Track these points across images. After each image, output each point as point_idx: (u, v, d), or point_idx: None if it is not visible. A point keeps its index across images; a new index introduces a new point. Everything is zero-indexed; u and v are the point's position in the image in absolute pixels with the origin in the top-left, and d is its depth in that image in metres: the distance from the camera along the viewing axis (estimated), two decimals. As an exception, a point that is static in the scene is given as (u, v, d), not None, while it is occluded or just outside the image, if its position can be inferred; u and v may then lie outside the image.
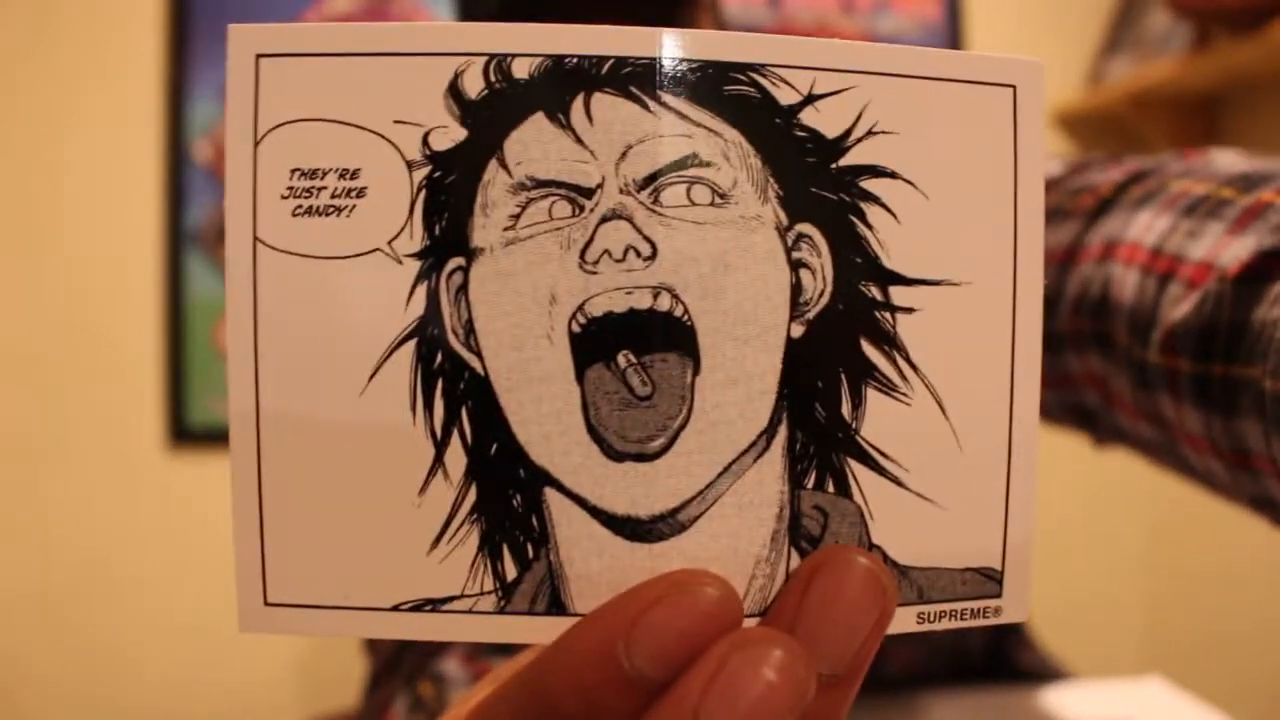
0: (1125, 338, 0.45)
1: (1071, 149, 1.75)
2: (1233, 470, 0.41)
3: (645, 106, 0.23)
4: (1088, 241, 0.51)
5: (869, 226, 0.24)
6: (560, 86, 0.23)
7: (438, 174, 0.23)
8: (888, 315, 0.24)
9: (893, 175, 0.24)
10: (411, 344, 0.23)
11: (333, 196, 0.24)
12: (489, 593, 0.23)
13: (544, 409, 0.23)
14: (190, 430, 1.47)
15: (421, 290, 0.23)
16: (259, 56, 0.24)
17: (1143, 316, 0.44)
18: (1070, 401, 0.55)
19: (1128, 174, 0.54)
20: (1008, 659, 0.83)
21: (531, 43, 0.23)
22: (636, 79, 0.23)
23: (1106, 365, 0.48)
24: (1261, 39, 1.32)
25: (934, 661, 0.79)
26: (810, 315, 0.23)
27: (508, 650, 0.25)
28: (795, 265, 0.23)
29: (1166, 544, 1.73)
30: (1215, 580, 1.64)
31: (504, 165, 0.23)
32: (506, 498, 0.23)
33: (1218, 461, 0.41)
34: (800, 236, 0.23)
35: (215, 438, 1.48)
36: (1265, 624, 1.54)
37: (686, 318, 0.23)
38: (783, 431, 0.23)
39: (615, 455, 0.23)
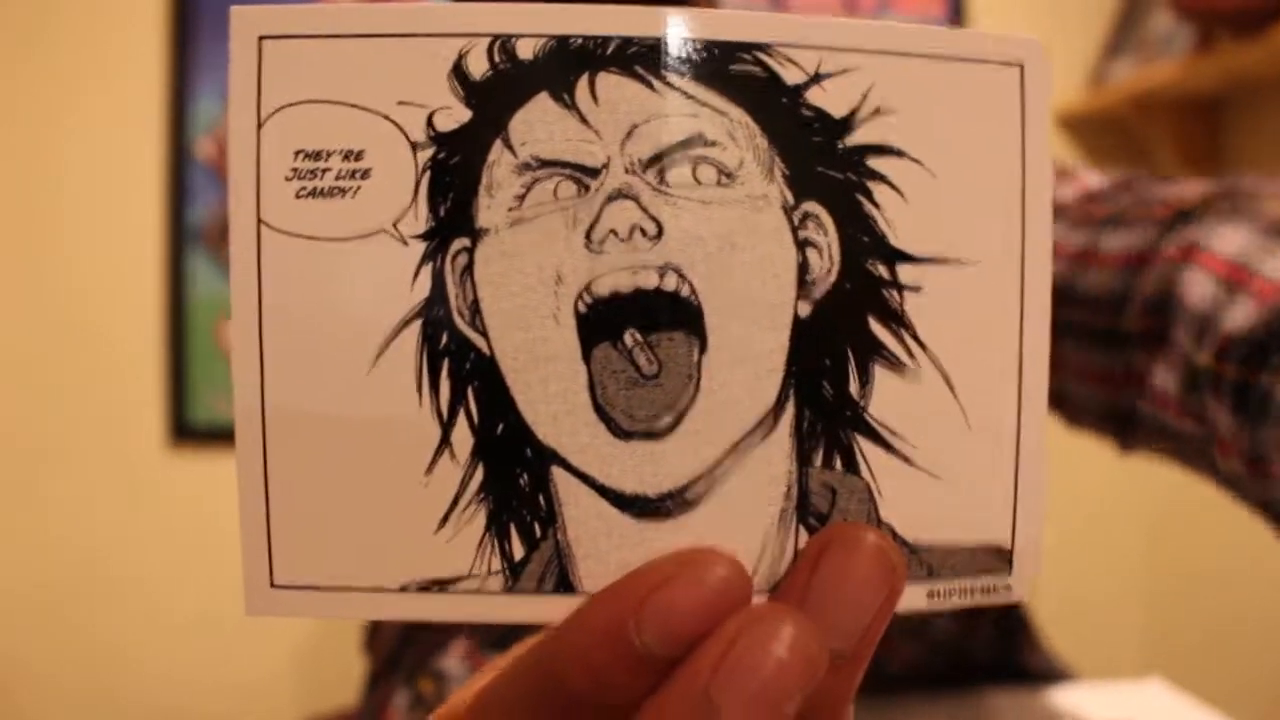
0: (1185, 339, 0.47)
1: (1074, 151, 1.75)
2: (1250, 476, 0.43)
3: (650, 86, 0.23)
4: (1165, 246, 0.51)
5: (876, 205, 0.24)
6: (565, 66, 0.23)
7: (442, 155, 0.23)
8: (895, 294, 0.24)
9: (900, 154, 0.24)
10: (417, 325, 0.23)
11: (337, 178, 0.24)
12: (496, 573, 0.23)
13: (551, 389, 0.23)
14: (192, 428, 1.47)
15: (427, 271, 0.23)
16: (261, 38, 0.24)
17: (1205, 321, 0.45)
18: (1113, 401, 0.55)
19: (1217, 188, 0.54)
20: (1014, 660, 0.82)
21: (536, 23, 0.23)
22: (642, 59, 0.23)
23: (1159, 362, 0.49)
24: (1265, 41, 1.32)
25: (935, 660, 0.79)
26: (817, 294, 0.23)
27: (507, 648, 0.25)
28: (801, 244, 0.23)
29: (1167, 545, 1.73)
30: (1216, 581, 1.64)
31: (509, 145, 0.23)
32: (513, 477, 0.23)
33: (1240, 465, 0.43)
34: (806, 215, 0.23)
35: (217, 436, 1.48)
36: (1267, 625, 1.54)
37: (693, 297, 0.23)
38: (790, 409, 0.23)
39: (623, 434, 0.23)
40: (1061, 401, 0.61)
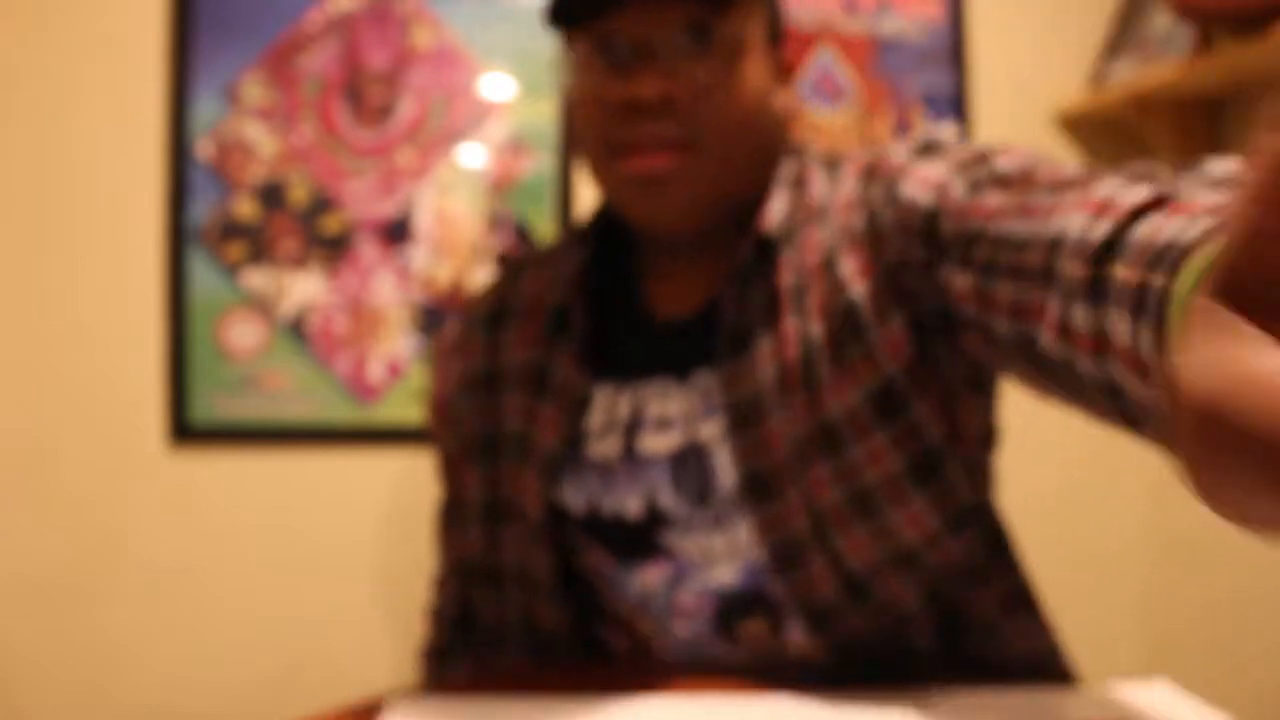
0: (1064, 263, 0.55)
1: (1074, 151, 1.76)
2: (1096, 359, 0.52)
3: None
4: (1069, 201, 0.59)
5: None
6: None
7: None
8: None
9: None
10: None
11: None
12: None
13: None
14: (192, 428, 1.47)
15: None
16: None
17: (1078, 245, 0.53)
18: (1021, 332, 0.62)
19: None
20: (1011, 646, 0.82)
21: None
22: None
23: (1045, 292, 0.58)
24: (1265, 41, 1.33)
25: (927, 623, 0.80)
26: None
27: None
28: None
29: (1168, 545, 1.73)
30: (1218, 582, 1.64)
31: None
32: None
33: (1090, 356, 0.52)
34: None
35: (217, 435, 1.48)
36: (1270, 626, 1.54)
37: None
38: None
39: None
40: (992, 339, 0.67)
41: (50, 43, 1.45)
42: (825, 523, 0.76)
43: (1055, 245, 0.56)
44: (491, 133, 1.56)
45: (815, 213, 0.81)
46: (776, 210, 0.81)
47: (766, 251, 0.80)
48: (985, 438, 0.83)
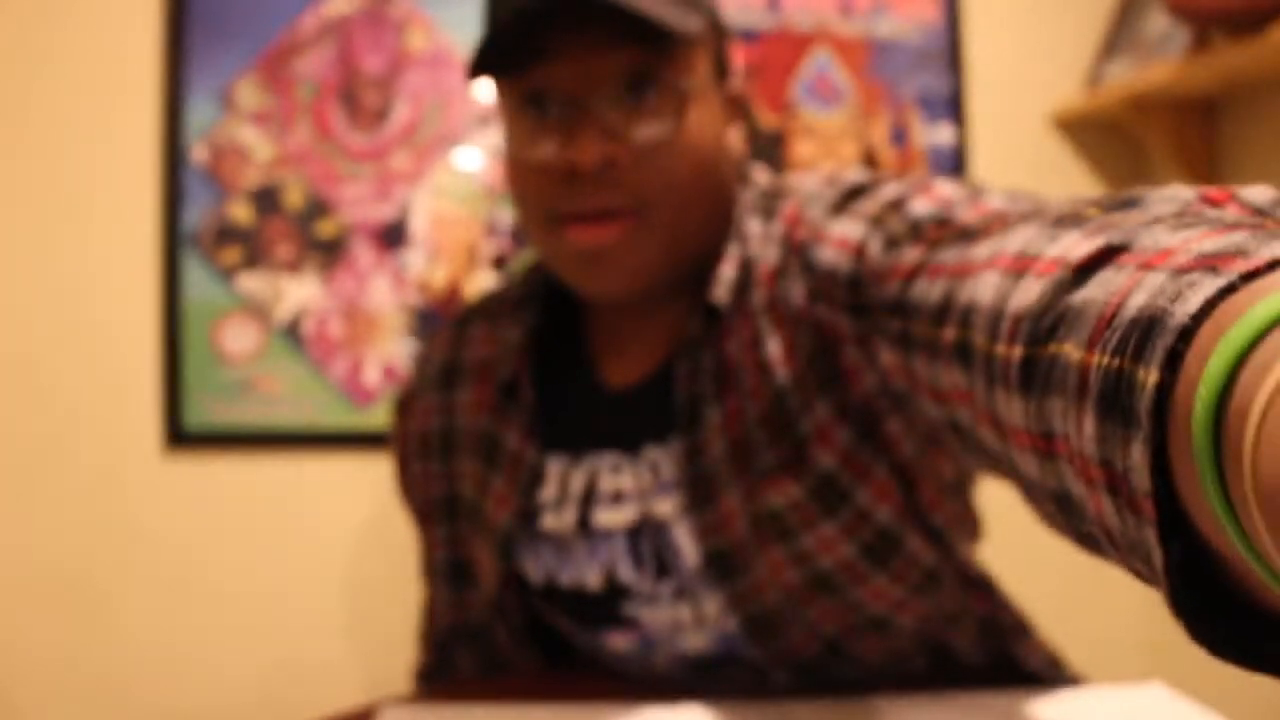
0: (980, 339, 0.44)
1: (1070, 152, 1.75)
2: (1041, 462, 0.39)
3: None
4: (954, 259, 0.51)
5: None
6: None
7: None
8: None
9: None
10: None
11: None
12: None
13: None
14: (187, 433, 1.47)
15: None
16: None
17: (994, 314, 0.43)
18: (948, 415, 0.53)
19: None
20: (1005, 660, 0.82)
21: None
22: None
23: (968, 375, 0.47)
24: (1261, 41, 1.32)
25: (914, 656, 0.78)
26: None
27: None
28: None
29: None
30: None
31: None
32: None
33: (1033, 456, 0.39)
34: None
35: (212, 440, 1.48)
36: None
37: None
38: None
39: None
40: (929, 420, 0.61)
41: (45, 47, 1.45)
42: (793, 599, 0.73)
43: (967, 315, 0.46)
44: (487, 136, 1.56)
45: (753, 274, 0.75)
46: (725, 277, 0.75)
47: (714, 321, 0.75)
48: (959, 484, 0.77)
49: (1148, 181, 1.78)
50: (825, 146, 1.68)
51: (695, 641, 0.77)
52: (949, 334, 0.49)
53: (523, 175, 0.72)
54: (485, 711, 0.71)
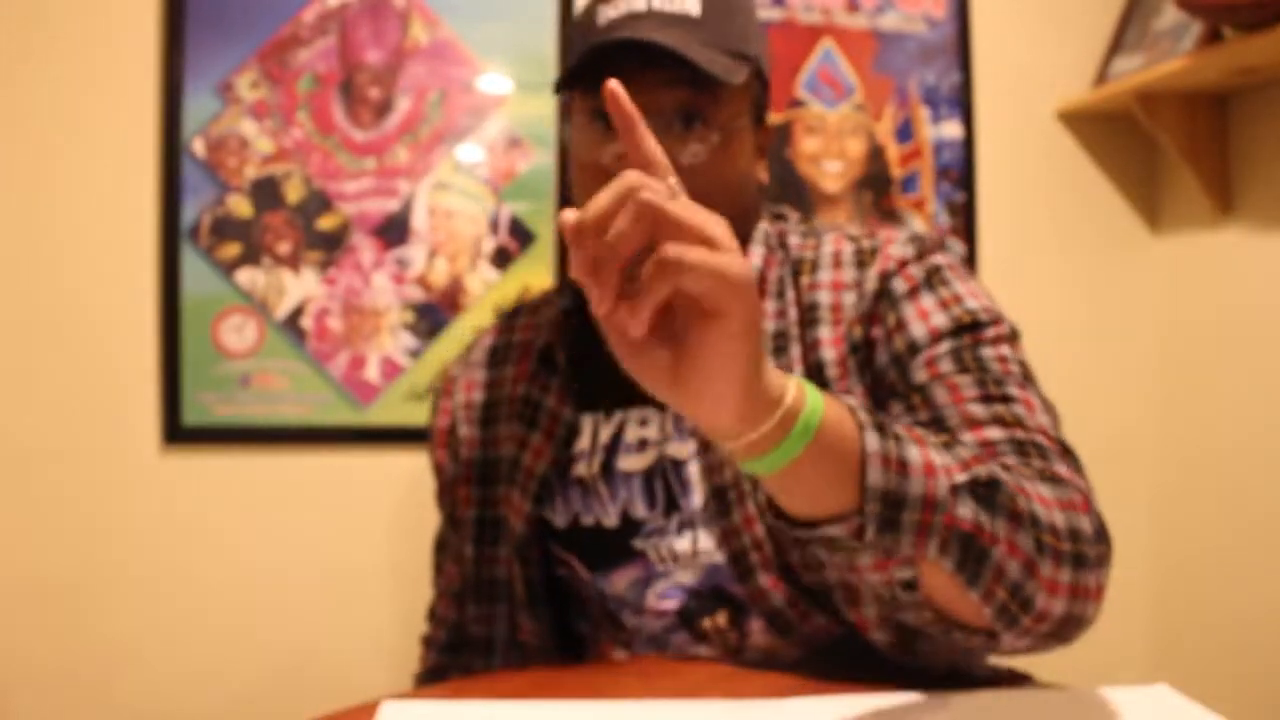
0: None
1: (1079, 147, 1.74)
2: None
3: None
4: None
5: None
6: None
7: None
8: None
9: None
10: None
11: None
12: None
13: None
14: (186, 429, 1.46)
15: None
16: None
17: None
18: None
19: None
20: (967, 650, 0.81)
21: None
22: None
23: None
24: (1271, 36, 1.31)
25: (877, 629, 0.79)
26: None
27: None
28: None
29: (1172, 548, 1.71)
30: (1224, 591, 1.62)
31: None
32: None
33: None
34: None
35: (211, 437, 1.47)
36: (1271, 628, 1.53)
37: None
38: None
39: None
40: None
41: (45, 40, 1.44)
42: (776, 540, 0.82)
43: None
44: (489, 129, 1.55)
45: (803, 269, 0.89)
46: (753, 258, 0.88)
47: None
48: None
49: (1158, 176, 1.76)
50: (831, 141, 1.66)
51: (688, 576, 0.87)
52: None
53: (586, 173, 0.84)
54: (485, 709, 0.71)
